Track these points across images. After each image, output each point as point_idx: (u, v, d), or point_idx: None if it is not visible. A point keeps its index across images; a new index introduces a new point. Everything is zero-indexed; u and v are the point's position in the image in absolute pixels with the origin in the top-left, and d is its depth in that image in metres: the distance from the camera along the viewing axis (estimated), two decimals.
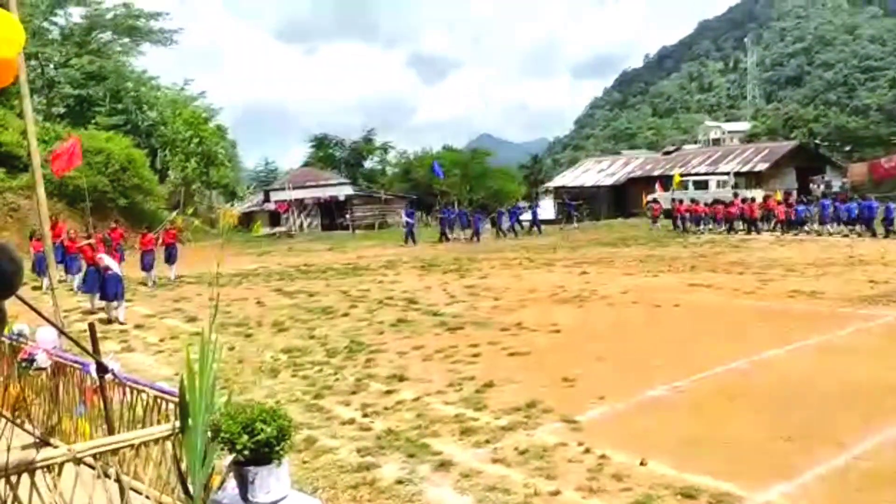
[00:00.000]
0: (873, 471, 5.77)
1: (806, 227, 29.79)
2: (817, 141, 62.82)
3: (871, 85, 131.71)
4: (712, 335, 11.00)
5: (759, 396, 7.86)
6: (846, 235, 27.75)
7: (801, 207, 30.67)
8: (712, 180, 41.03)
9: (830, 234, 28.26)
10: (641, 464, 6.04)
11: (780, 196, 32.85)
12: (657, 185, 43.30)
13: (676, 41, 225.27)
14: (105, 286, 14.21)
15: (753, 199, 32.92)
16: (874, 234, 26.87)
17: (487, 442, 6.77)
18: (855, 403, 7.41)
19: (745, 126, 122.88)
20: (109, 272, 14.11)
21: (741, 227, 31.58)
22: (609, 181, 53.42)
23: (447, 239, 33.74)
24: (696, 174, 45.39)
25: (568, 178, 58.93)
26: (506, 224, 36.98)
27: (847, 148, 59.75)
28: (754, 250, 23.38)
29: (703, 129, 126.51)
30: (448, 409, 7.85)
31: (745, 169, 46.10)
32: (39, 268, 18.30)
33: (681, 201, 35.80)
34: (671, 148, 65.47)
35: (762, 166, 45.95)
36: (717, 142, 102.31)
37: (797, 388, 8.06)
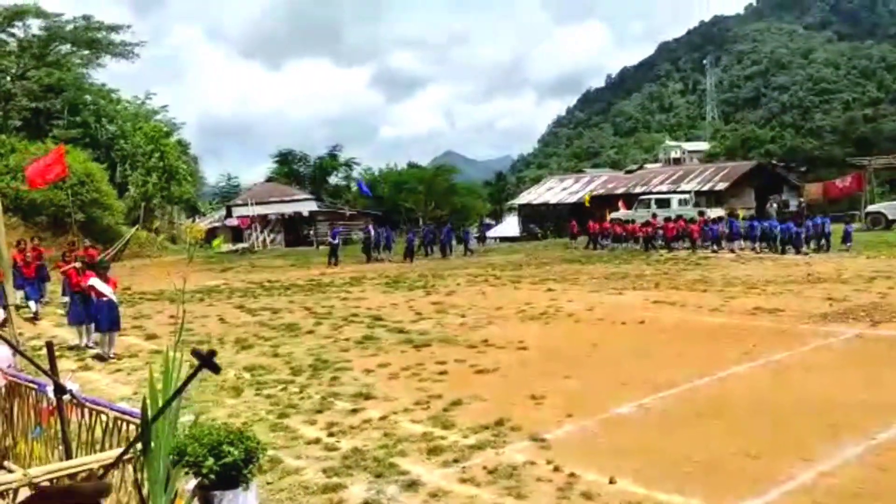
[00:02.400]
0: (839, 487, 5.82)
1: (722, 245, 31.08)
2: (774, 161, 64.19)
3: (826, 107, 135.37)
4: (678, 352, 11.09)
5: (725, 413, 7.91)
6: (754, 250, 29.56)
7: (755, 223, 31.68)
8: (674, 198, 41.72)
9: (737, 251, 29.78)
10: (611, 482, 6.01)
11: (742, 214, 33.65)
12: (620, 204, 43.85)
13: (637, 62, 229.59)
14: (99, 315, 12.38)
15: (720, 218, 34.03)
16: (777, 252, 28.51)
17: (456, 461, 6.69)
18: (820, 419, 7.50)
19: (704, 146, 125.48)
20: (104, 299, 12.30)
21: (661, 245, 33.07)
22: (572, 199, 53.88)
23: (411, 259, 32.69)
24: (659, 192, 46.10)
25: (532, 195, 59.31)
26: (472, 242, 37.20)
27: (803, 168, 61.21)
28: (716, 268, 23.73)
29: (663, 149, 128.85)
30: (415, 427, 7.75)
31: (705, 188, 46.94)
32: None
33: (634, 221, 36.44)
34: (634, 167, 66.43)
35: (722, 185, 46.83)
36: (677, 161, 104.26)
37: (762, 405, 8.13)
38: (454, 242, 36.31)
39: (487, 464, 6.56)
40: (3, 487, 3.13)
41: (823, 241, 28.54)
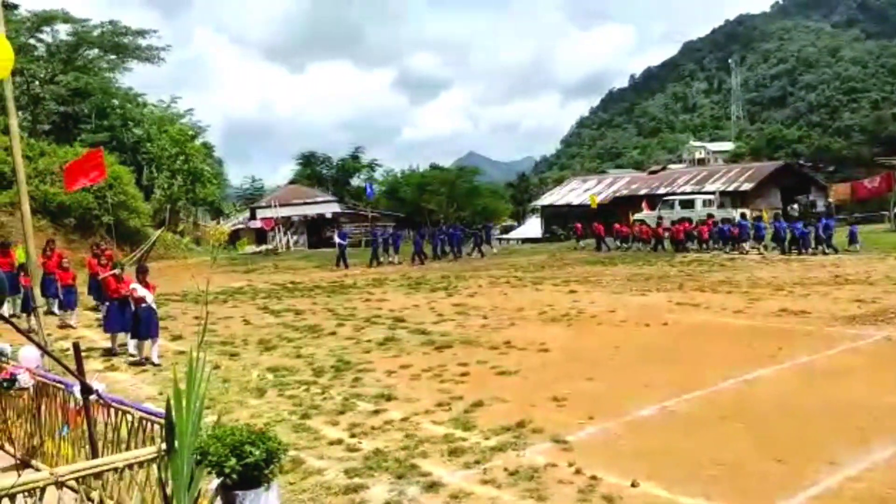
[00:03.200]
0: (867, 491, 5.73)
1: (733, 246, 31.37)
2: (801, 161, 63.48)
3: (854, 106, 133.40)
4: (702, 354, 10.99)
5: (750, 416, 7.82)
6: (760, 253, 29.67)
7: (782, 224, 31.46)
8: (698, 199, 41.33)
9: (746, 253, 29.99)
10: (633, 485, 5.97)
11: (767, 215, 33.37)
12: (643, 205, 43.54)
13: (661, 62, 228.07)
14: (138, 322, 11.79)
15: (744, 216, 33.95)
16: (783, 252, 28.89)
17: (477, 462, 6.69)
18: (846, 423, 7.39)
19: (729, 146, 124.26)
20: (143, 304, 11.78)
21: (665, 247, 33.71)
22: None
23: (421, 261, 32.28)
24: (682, 193, 45.69)
25: (555, 196, 59.09)
26: (493, 243, 37.01)
27: (830, 168, 60.45)
28: (741, 269, 23.48)
29: (687, 149, 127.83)
30: (437, 429, 7.76)
31: (730, 188, 46.44)
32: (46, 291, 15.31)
33: (661, 221, 36.26)
34: (657, 167, 65.93)
35: (747, 186, 46.30)
36: (701, 161, 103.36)
37: (788, 408, 8.04)
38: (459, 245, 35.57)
39: (508, 465, 6.55)
40: (29, 486, 3.19)
41: (826, 243, 28.87)
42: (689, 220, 34.62)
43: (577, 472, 6.31)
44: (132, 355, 12.13)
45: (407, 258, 32.92)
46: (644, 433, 7.45)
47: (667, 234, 34.08)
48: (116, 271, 13.31)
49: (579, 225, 40.42)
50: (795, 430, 7.26)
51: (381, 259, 32.53)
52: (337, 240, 33.76)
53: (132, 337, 12.14)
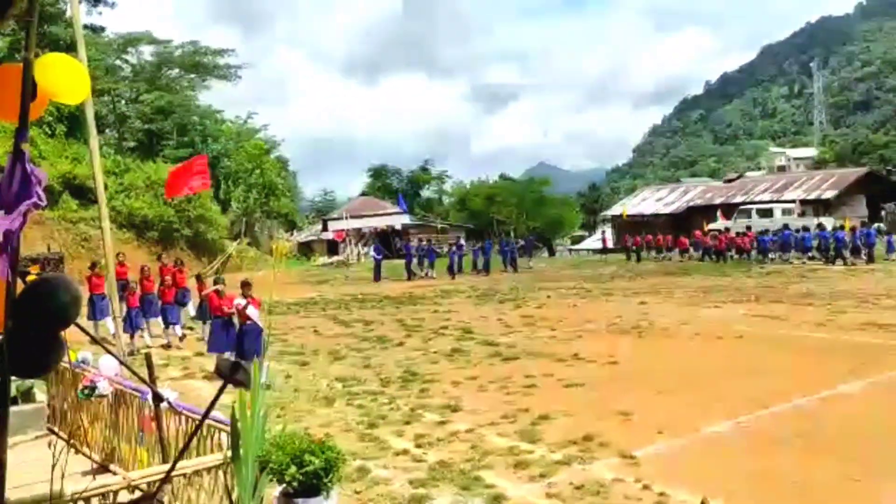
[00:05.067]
0: None
1: (770, 256, 32.22)
2: (889, 167, 60.65)
3: None
4: (778, 369, 10.60)
5: (827, 434, 7.51)
6: (803, 262, 30.34)
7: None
8: (777, 208, 39.96)
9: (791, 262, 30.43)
10: (702, 503, 5.81)
11: (849, 224, 32.09)
12: (718, 214, 42.40)
13: (738, 67, 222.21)
14: (242, 342, 10.76)
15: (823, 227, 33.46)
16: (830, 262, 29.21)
17: (542, 476, 6.63)
18: None
19: (811, 152, 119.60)
20: (248, 322, 10.82)
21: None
22: (667, 210, 52.55)
23: (481, 272, 31.86)
24: (760, 202, 44.27)
25: (626, 206, 58.19)
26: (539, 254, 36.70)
27: None
28: (824, 281, 22.58)
29: (767, 156, 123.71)
30: (502, 441, 7.73)
31: (811, 196, 44.78)
32: (95, 311, 15.37)
33: (741, 232, 35.44)
34: (733, 175, 64.16)
35: (830, 193, 44.55)
36: (782, 168, 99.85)
37: (868, 427, 7.67)
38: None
39: (574, 479, 6.47)
40: (103, 490, 3.34)
41: (866, 252, 28.99)
42: (766, 231, 33.90)
43: (645, 487, 6.18)
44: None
45: (442, 271, 32.14)
46: (715, 450, 7.24)
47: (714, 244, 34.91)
48: (219, 287, 12.31)
49: (638, 238, 39.59)
50: (875, 449, 6.92)
51: (416, 272, 31.97)
52: (373, 254, 33.71)
53: (237, 358, 10.44)
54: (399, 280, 30.68)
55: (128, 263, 18.12)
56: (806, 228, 33.18)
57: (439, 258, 35.04)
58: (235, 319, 11.12)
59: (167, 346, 15.21)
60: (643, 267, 32.52)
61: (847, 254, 28.67)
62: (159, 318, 15.75)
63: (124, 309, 13.84)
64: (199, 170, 18.01)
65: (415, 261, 32.42)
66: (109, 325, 13.79)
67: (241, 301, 10.97)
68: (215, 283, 12.88)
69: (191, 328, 16.78)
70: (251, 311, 10.79)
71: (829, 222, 34.82)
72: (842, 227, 32.73)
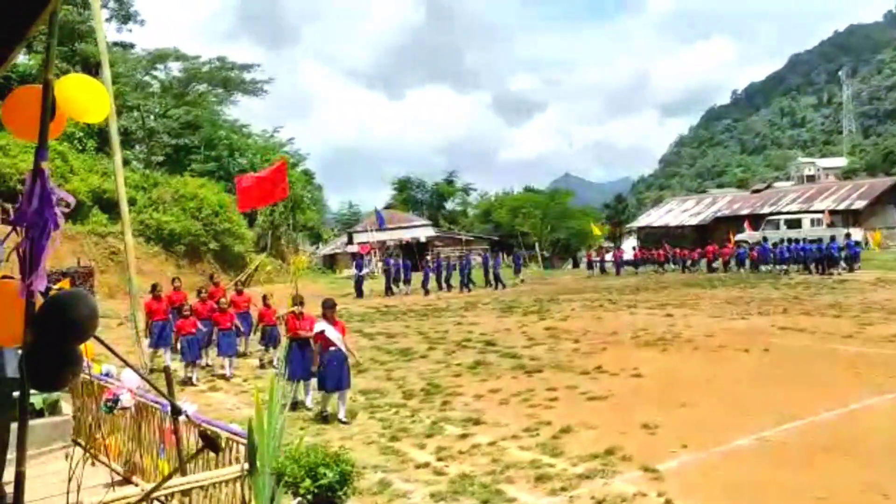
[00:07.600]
0: None
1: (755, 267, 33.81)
2: None
3: None
4: (805, 382, 10.44)
5: (855, 448, 7.36)
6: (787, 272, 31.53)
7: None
8: (805, 219, 39.44)
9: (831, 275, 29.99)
10: None
11: (879, 236, 31.76)
12: (745, 225, 41.96)
13: (765, 76, 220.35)
14: (326, 371, 9.48)
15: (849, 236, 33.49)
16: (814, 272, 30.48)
17: (563, 490, 6.58)
18: None
19: (841, 162, 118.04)
20: (332, 348, 9.56)
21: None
22: (694, 221, 52.10)
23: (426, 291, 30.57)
24: (788, 213, 43.75)
25: (652, 217, 57.84)
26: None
27: None
28: (853, 292, 22.21)
29: (795, 166, 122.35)
30: (524, 454, 7.68)
31: (841, 207, 44.14)
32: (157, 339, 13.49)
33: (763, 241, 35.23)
34: (761, 186, 63.53)
35: (860, 204, 43.90)
36: (811, 178, 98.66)
37: None
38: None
39: (596, 494, 6.41)
40: (122, 501, 3.39)
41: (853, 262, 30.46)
42: (796, 241, 33.70)
43: (668, 502, 6.11)
44: (306, 407, 10.28)
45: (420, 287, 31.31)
46: (740, 464, 7.13)
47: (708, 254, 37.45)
48: (296, 308, 11.09)
49: (661, 250, 39.69)
50: None
51: (394, 289, 31.48)
52: (354, 270, 33.27)
53: (319, 388, 9.76)
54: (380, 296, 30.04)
55: (183, 288, 16.81)
56: (833, 238, 32.79)
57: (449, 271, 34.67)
58: (313, 344, 9.94)
59: (226, 378, 13.11)
60: (669, 278, 32.24)
61: (843, 264, 29.81)
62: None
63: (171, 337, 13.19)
64: (278, 177, 16.29)
65: (432, 276, 32.15)
66: (166, 357, 13.26)
67: (323, 325, 9.68)
68: (238, 293, 12.68)
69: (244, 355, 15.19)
70: (332, 335, 9.58)
71: (857, 233, 34.40)
72: (848, 236, 33.08)
